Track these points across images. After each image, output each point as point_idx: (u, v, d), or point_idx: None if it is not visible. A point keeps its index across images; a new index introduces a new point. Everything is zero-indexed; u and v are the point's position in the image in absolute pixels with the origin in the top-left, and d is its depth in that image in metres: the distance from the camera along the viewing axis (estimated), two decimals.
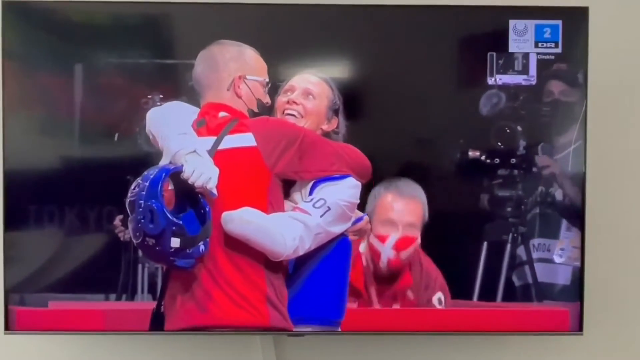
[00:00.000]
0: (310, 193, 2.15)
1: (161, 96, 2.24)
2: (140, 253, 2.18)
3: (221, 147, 2.12)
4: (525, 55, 2.29)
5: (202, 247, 2.08)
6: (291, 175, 2.15)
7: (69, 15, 2.27)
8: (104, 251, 2.27)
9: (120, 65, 2.26)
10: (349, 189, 2.17)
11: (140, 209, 2.04)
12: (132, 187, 2.09)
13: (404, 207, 2.27)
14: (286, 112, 2.20)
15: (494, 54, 2.29)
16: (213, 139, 2.12)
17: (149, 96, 2.24)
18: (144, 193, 2.04)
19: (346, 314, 2.23)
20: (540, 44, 2.29)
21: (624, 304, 2.56)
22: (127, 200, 2.09)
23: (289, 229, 2.10)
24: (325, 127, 2.22)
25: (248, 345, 2.51)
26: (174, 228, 2.05)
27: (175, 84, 2.26)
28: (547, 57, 2.29)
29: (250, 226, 2.09)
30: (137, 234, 2.06)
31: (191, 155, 2.07)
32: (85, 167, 2.27)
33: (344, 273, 2.21)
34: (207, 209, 2.08)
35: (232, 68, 2.18)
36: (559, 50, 2.29)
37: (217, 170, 2.08)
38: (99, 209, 2.26)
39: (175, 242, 2.05)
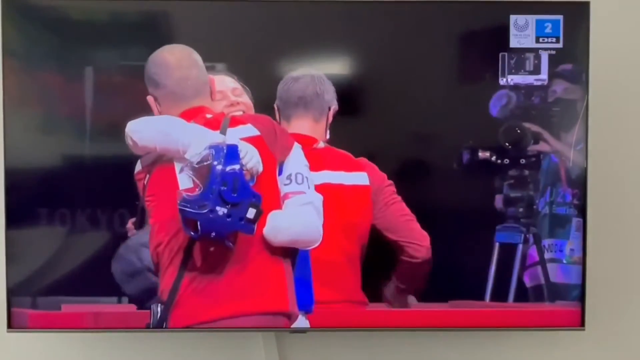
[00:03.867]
0: (280, 169, 2.18)
1: None
2: (189, 224, 2.06)
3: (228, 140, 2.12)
4: (537, 56, 2.29)
5: (256, 227, 2.07)
6: (282, 159, 2.18)
7: (70, 13, 2.25)
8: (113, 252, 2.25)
9: (122, 63, 2.26)
10: (301, 151, 2.21)
11: (219, 179, 2.02)
12: (198, 156, 2.04)
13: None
14: (232, 114, 2.21)
15: (506, 54, 2.29)
16: (218, 132, 2.12)
17: None
18: (223, 160, 2.03)
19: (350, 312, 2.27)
20: (541, 39, 2.30)
21: (625, 300, 2.57)
22: (194, 166, 2.05)
23: (312, 216, 2.15)
24: None
25: (250, 343, 2.51)
26: (253, 199, 2.05)
27: None
28: (549, 52, 2.30)
29: (295, 230, 2.14)
30: (207, 203, 2.03)
31: (229, 141, 2.08)
32: (88, 166, 2.26)
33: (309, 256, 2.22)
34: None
35: (206, 73, 2.20)
36: (560, 45, 2.30)
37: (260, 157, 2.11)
38: (104, 209, 2.25)
39: (251, 213, 2.05)
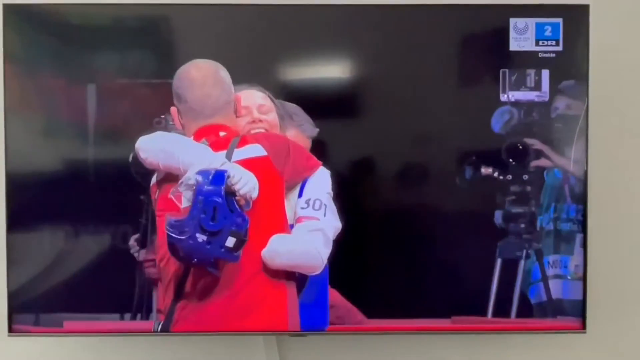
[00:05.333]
0: (300, 192, 2.19)
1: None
2: (172, 248, 2.08)
3: (234, 159, 2.13)
4: (538, 72, 2.29)
5: (240, 254, 2.08)
6: (295, 179, 2.18)
7: (71, 17, 2.27)
8: (117, 269, 2.27)
9: (124, 68, 2.27)
10: (327, 178, 2.23)
11: (200, 205, 2.04)
12: (183, 180, 2.07)
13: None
14: (253, 131, 2.22)
15: (507, 70, 2.29)
16: (223, 153, 2.13)
17: (162, 116, 2.25)
18: (205, 187, 2.04)
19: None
20: (540, 42, 2.29)
21: (627, 303, 2.56)
22: (179, 190, 2.08)
23: (317, 243, 2.16)
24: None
25: (251, 346, 2.52)
26: (233, 228, 2.05)
27: None
28: (548, 55, 2.29)
29: (294, 254, 2.15)
30: (187, 229, 2.04)
31: (227, 164, 2.10)
32: (89, 171, 2.27)
33: (325, 276, 2.23)
34: (246, 219, 2.09)
35: (232, 91, 2.21)
36: (559, 48, 2.29)
37: (257, 181, 2.11)
38: (105, 215, 2.27)
39: (230, 242, 2.06)
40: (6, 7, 2.26)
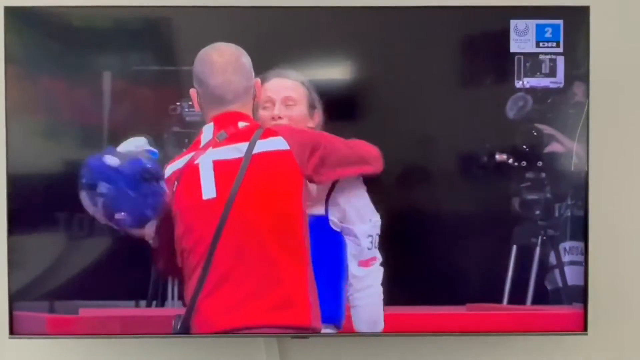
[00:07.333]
0: (329, 193, 2.18)
1: (190, 103, 2.23)
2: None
3: (256, 151, 2.12)
4: (553, 59, 2.28)
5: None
6: (317, 179, 2.16)
7: (71, 19, 2.27)
8: (131, 257, 2.26)
9: (125, 69, 2.27)
10: (365, 195, 2.22)
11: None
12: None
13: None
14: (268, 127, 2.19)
15: (522, 57, 2.28)
16: (245, 144, 2.12)
17: (178, 103, 2.25)
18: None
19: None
20: (541, 44, 2.29)
21: (628, 304, 2.56)
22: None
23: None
24: (310, 125, 2.23)
25: (251, 348, 2.51)
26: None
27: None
28: (549, 56, 2.29)
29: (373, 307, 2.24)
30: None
31: None
32: None
33: (342, 269, 2.22)
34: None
35: (252, 76, 2.19)
36: (560, 49, 2.29)
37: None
38: None
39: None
40: (7, 9, 2.26)
